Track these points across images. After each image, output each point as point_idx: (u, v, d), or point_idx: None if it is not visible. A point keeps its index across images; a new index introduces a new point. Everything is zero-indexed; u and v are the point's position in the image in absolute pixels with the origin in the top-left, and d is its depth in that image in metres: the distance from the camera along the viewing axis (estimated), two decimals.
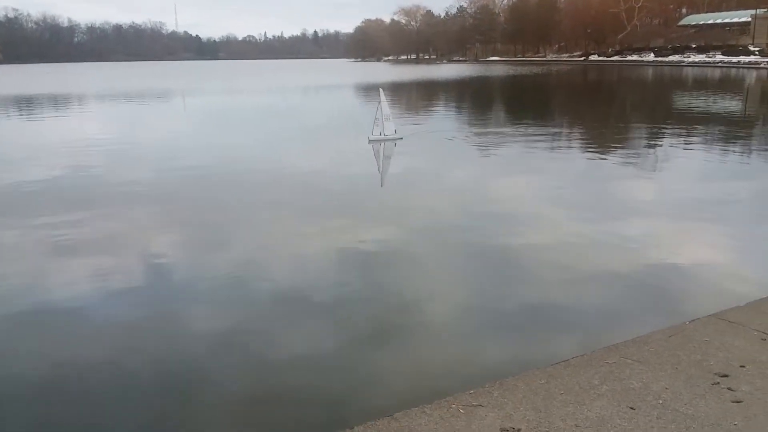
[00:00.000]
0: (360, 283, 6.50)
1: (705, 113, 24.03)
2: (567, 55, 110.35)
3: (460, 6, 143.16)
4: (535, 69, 77.70)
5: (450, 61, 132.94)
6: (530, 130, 18.86)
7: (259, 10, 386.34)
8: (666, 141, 16.93)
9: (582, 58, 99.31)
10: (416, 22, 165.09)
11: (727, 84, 44.44)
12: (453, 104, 32.59)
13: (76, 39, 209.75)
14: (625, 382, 3.86)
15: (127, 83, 57.52)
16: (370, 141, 15.75)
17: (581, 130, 20.34)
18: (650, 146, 16.36)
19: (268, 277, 6.68)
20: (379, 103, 15.77)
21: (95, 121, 25.38)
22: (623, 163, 13.61)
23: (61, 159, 14.45)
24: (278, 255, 7.41)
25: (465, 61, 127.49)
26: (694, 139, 17.18)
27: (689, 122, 20.91)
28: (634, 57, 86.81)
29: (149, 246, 7.80)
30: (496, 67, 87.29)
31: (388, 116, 15.91)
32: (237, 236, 8.19)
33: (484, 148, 15.97)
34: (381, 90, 15.77)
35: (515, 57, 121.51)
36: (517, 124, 21.33)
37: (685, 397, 3.67)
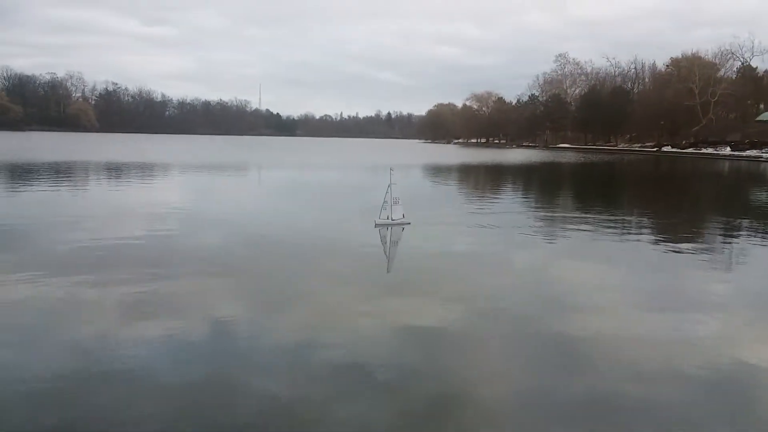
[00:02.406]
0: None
1: None
2: (639, 145, 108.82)
3: (532, 94, 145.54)
4: (606, 157, 77.00)
5: (519, 146, 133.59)
6: (590, 218, 18.45)
7: (336, 92, 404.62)
8: (743, 236, 16.28)
9: (655, 149, 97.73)
10: (487, 108, 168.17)
11: None
12: (516, 188, 32.56)
13: (167, 113, 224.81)
14: None
15: (212, 155, 60.70)
16: (376, 225, 14.93)
17: (651, 221, 19.75)
18: (726, 240, 15.76)
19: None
20: (388, 185, 15.06)
21: (179, 189, 26.80)
22: (697, 256, 13.13)
23: (141, 223, 15.28)
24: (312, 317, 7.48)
25: (535, 146, 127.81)
26: None
27: None
28: (710, 150, 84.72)
29: (207, 307, 8.05)
30: (566, 154, 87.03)
31: (397, 200, 15.14)
32: (293, 303, 8.36)
33: (535, 236, 15.75)
34: (390, 171, 15.07)
35: (585, 145, 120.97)
36: (579, 210, 20.98)
37: None
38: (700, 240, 15.73)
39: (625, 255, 13.16)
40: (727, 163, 66.16)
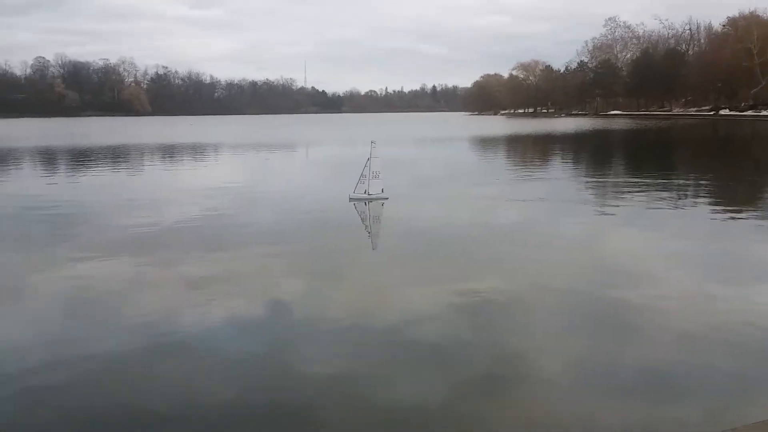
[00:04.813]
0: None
1: None
2: (695, 109, 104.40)
3: (581, 60, 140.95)
4: (660, 123, 74.42)
5: (569, 114, 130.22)
6: (644, 183, 17.94)
7: (381, 67, 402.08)
8: None
9: (711, 113, 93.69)
10: (534, 77, 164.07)
11: None
12: (565, 158, 31.88)
13: (216, 94, 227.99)
14: None
15: (262, 134, 61.54)
16: (350, 199, 14.60)
17: (709, 187, 18.99)
18: None
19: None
20: (368, 159, 14.67)
21: (231, 168, 27.41)
22: (757, 222, 12.67)
23: (196, 202, 15.72)
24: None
25: (585, 115, 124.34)
26: None
27: None
28: None
29: (257, 281, 8.32)
30: (618, 121, 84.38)
31: (377, 174, 14.68)
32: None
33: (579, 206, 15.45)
34: (372, 144, 14.76)
35: (638, 111, 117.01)
36: (631, 177, 20.38)
37: None
38: (760, 206, 15.15)
39: (683, 222, 12.82)
40: None
